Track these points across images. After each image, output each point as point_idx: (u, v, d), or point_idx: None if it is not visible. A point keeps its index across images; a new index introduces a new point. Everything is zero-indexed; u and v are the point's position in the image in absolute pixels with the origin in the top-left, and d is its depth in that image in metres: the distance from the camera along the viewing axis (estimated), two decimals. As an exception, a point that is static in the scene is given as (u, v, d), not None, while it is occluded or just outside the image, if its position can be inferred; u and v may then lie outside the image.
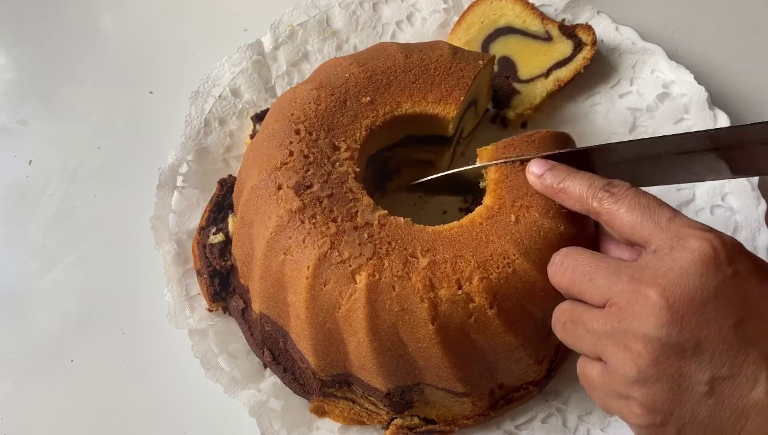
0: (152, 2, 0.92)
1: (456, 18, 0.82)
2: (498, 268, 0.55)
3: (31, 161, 0.82)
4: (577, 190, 0.54)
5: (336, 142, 0.62)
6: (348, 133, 0.62)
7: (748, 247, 0.67)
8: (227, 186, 0.71)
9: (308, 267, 0.56)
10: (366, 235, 0.56)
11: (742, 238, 0.69)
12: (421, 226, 0.58)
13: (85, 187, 0.80)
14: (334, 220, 0.57)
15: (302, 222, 0.57)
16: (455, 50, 0.68)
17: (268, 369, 0.66)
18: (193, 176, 0.73)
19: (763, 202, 0.70)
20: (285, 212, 0.58)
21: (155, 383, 0.70)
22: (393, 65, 0.65)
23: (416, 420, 0.61)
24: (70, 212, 0.79)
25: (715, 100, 0.76)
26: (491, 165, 0.61)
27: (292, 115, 0.63)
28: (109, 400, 0.69)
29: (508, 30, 0.79)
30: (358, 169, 0.61)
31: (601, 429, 0.63)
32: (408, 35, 0.83)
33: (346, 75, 0.65)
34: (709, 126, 0.74)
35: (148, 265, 0.72)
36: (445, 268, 0.55)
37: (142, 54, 0.88)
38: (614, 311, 0.47)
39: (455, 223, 0.59)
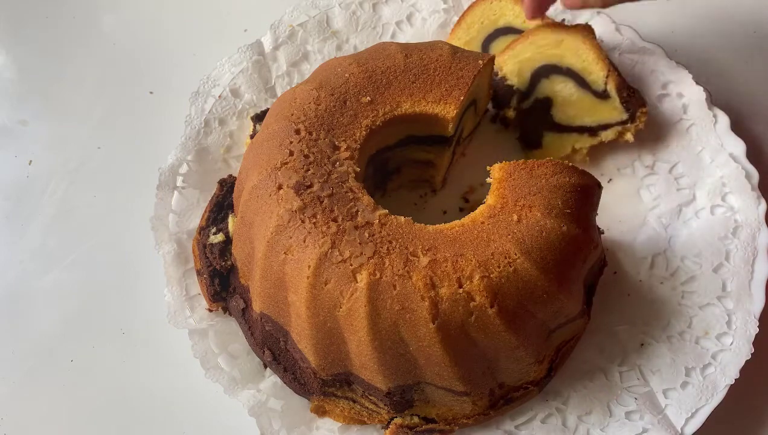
0: (152, 2, 0.92)
1: (456, 18, 0.82)
2: (499, 267, 0.55)
3: (31, 161, 0.82)
4: None
5: (336, 142, 0.62)
6: (348, 133, 0.62)
7: (748, 247, 0.68)
8: (227, 186, 0.71)
9: (309, 266, 0.56)
10: (367, 235, 0.56)
11: (742, 237, 0.69)
12: (422, 225, 0.58)
13: (85, 187, 0.80)
14: (335, 220, 0.57)
15: (303, 221, 0.57)
16: (455, 50, 0.67)
17: (268, 369, 0.65)
18: (193, 176, 0.73)
19: (763, 201, 0.70)
20: (285, 212, 0.57)
21: (155, 383, 0.70)
22: (393, 65, 0.65)
23: (416, 419, 0.61)
24: (70, 212, 0.79)
25: (715, 100, 0.76)
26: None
27: (292, 115, 0.63)
28: (109, 400, 0.69)
29: (508, 30, 0.79)
30: (358, 169, 0.61)
31: (600, 429, 0.63)
32: (408, 35, 0.83)
33: (346, 75, 0.65)
34: (709, 126, 0.74)
35: (148, 265, 0.72)
36: (446, 266, 0.55)
37: (142, 54, 0.88)
38: None
39: (457, 222, 0.59)
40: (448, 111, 0.65)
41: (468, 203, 0.76)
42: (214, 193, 0.71)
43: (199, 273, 0.68)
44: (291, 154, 0.60)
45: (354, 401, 0.63)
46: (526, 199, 0.58)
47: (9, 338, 0.73)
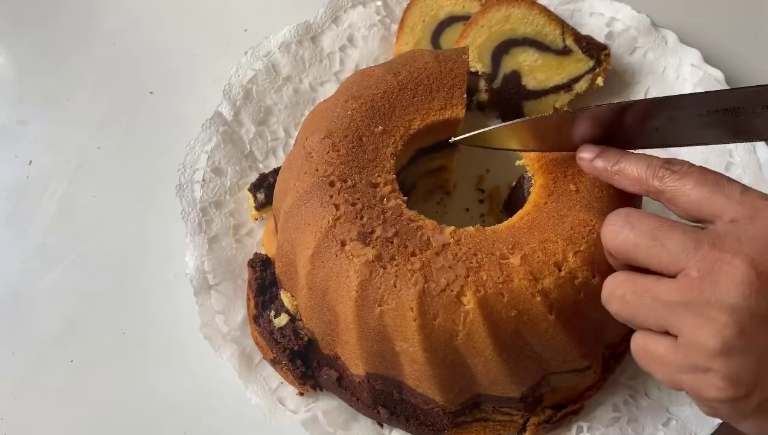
0: (152, 2, 0.90)
1: (395, 26, 0.82)
2: (583, 237, 0.56)
3: (31, 161, 0.80)
4: (635, 170, 0.51)
5: (373, 180, 0.60)
6: (379, 168, 0.60)
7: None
8: (259, 265, 0.67)
9: (412, 309, 0.53)
10: (450, 256, 0.55)
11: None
12: (491, 227, 0.58)
13: (85, 187, 0.79)
14: (413, 254, 0.55)
15: (384, 268, 0.55)
16: (435, 53, 0.67)
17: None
18: (219, 269, 0.68)
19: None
20: (363, 266, 0.55)
21: (155, 383, 0.69)
22: (388, 88, 0.64)
23: (548, 411, 0.61)
24: (70, 212, 0.78)
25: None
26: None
27: (317, 170, 0.60)
28: (109, 400, 0.68)
29: (452, 20, 0.80)
30: (405, 198, 0.59)
31: None
32: (355, 57, 0.81)
33: (349, 113, 0.63)
34: (662, 46, 0.79)
35: (148, 264, 0.73)
36: (538, 257, 0.55)
37: (142, 54, 0.87)
38: (693, 281, 0.43)
39: (521, 212, 0.59)
40: (457, 112, 0.64)
41: (484, 192, 0.76)
42: (249, 278, 0.67)
43: (275, 362, 0.64)
44: (337, 208, 0.58)
45: (485, 420, 0.62)
46: (572, 165, 0.59)
47: (9, 338, 0.71)
